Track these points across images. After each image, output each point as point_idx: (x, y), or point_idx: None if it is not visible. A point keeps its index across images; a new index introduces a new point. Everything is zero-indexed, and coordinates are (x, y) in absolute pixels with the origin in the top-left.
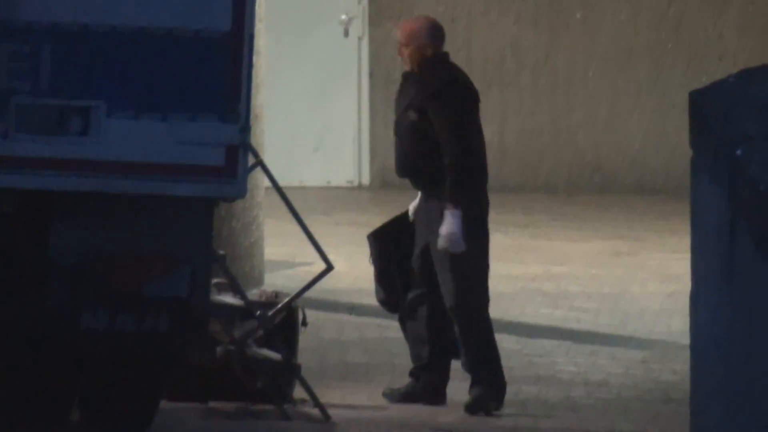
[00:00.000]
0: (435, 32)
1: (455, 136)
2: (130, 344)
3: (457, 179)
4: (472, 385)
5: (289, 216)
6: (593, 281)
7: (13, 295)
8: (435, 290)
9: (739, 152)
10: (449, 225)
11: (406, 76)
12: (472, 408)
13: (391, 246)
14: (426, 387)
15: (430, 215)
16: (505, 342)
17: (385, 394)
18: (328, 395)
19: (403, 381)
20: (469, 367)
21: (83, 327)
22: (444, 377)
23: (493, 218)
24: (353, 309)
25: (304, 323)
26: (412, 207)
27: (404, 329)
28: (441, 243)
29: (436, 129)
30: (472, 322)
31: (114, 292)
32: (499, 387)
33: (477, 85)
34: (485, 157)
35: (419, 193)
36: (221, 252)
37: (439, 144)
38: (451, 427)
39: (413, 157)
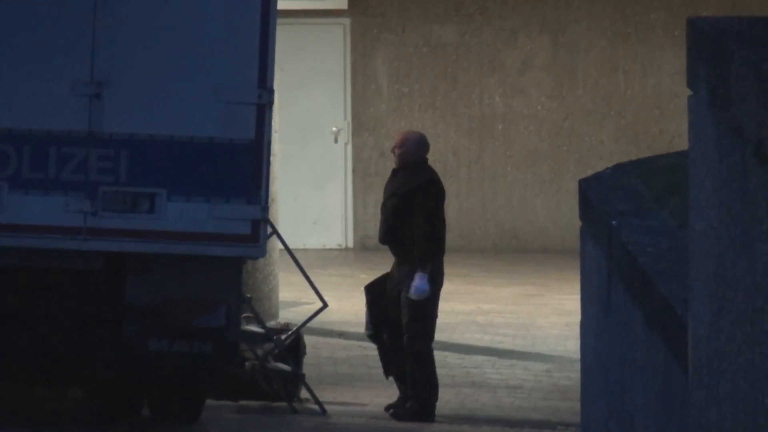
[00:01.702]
0: (420, 143)
1: (426, 220)
2: (184, 361)
3: (424, 250)
4: (409, 398)
5: (297, 269)
6: (511, 315)
7: (101, 327)
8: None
9: (614, 223)
10: (418, 282)
11: (395, 172)
12: (398, 415)
13: (379, 296)
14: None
15: (401, 275)
16: (450, 358)
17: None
18: (324, 396)
19: (378, 387)
20: (412, 391)
21: (150, 349)
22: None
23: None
24: (342, 334)
25: (304, 352)
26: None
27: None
28: (411, 293)
29: (415, 212)
30: (421, 357)
31: (172, 325)
32: (431, 408)
33: None
34: (443, 237)
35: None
36: (248, 295)
37: (413, 223)
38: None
39: (393, 232)
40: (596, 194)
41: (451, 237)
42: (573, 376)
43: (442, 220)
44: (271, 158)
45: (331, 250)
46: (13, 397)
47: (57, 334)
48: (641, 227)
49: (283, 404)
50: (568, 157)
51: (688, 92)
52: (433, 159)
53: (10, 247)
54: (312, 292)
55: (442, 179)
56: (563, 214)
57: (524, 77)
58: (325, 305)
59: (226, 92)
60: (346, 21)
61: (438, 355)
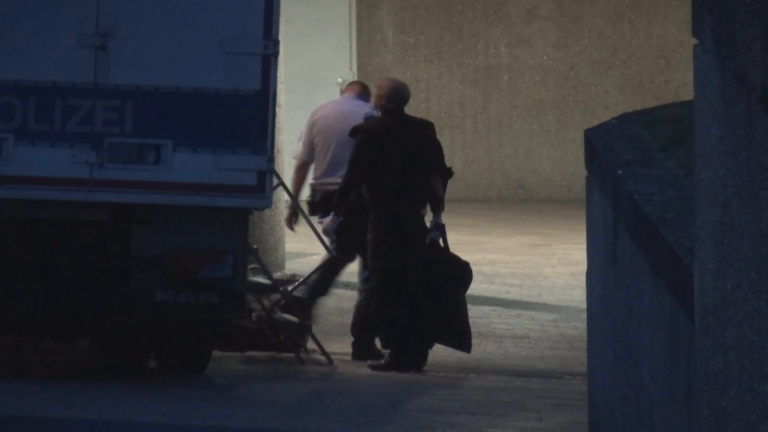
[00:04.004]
0: (390, 92)
1: (349, 166)
2: (190, 312)
3: (335, 195)
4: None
5: (303, 220)
6: (517, 265)
7: (107, 279)
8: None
9: (620, 172)
10: (326, 221)
11: None
12: (371, 365)
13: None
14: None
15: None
16: None
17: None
18: (331, 346)
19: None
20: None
21: (157, 301)
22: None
23: (446, 221)
24: (348, 285)
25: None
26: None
27: None
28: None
29: None
30: (372, 300)
31: (178, 276)
32: (400, 358)
33: None
34: (394, 186)
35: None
36: (254, 246)
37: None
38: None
39: None
40: (602, 144)
41: (456, 187)
42: (579, 325)
43: (365, 170)
44: (277, 109)
45: None
46: (20, 349)
47: (63, 286)
48: (647, 176)
49: (290, 355)
50: (574, 107)
51: (694, 41)
52: (439, 110)
53: (17, 199)
54: (318, 242)
55: (449, 130)
56: (569, 164)
57: (530, 27)
58: (332, 256)
59: (232, 43)
60: None
61: None
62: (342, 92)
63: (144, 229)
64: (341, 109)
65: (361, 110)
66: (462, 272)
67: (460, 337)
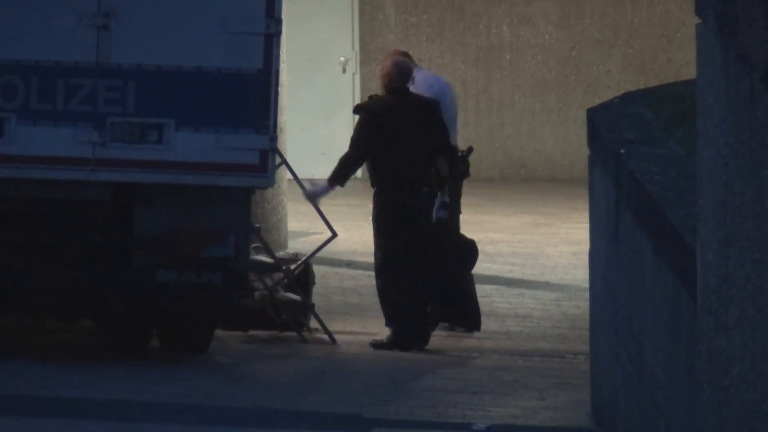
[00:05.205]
0: (397, 72)
1: (350, 144)
2: (193, 292)
3: (335, 168)
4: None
5: (305, 200)
6: (520, 244)
7: (109, 258)
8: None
9: (622, 152)
10: (315, 186)
11: None
12: (373, 344)
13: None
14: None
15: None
16: None
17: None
18: (333, 325)
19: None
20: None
21: (159, 280)
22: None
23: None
24: (350, 264)
25: (313, 281)
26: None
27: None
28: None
29: None
30: (377, 273)
31: (181, 256)
32: (403, 336)
33: None
34: (396, 165)
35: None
36: (257, 225)
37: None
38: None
39: None
40: (604, 123)
41: None
42: (581, 304)
43: (365, 148)
44: (279, 89)
45: None
46: (22, 329)
47: (65, 266)
48: (649, 155)
49: (293, 334)
50: (576, 86)
51: (696, 20)
52: None
53: (19, 179)
54: (320, 222)
55: None
56: (571, 144)
57: (531, 7)
58: (334, 235)
59: (234, 22)
60: None
61: None
62: (344, 71)
63: (146, 209)
64: (418, 89)
65: (430, 80)
66: (468, 251)
67: (469, 316)
